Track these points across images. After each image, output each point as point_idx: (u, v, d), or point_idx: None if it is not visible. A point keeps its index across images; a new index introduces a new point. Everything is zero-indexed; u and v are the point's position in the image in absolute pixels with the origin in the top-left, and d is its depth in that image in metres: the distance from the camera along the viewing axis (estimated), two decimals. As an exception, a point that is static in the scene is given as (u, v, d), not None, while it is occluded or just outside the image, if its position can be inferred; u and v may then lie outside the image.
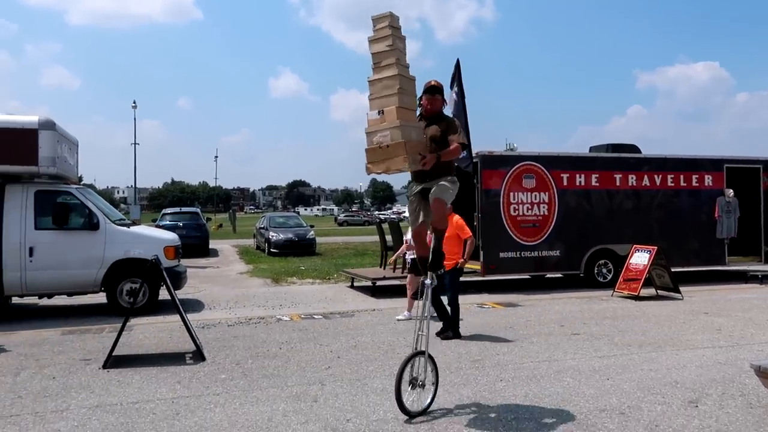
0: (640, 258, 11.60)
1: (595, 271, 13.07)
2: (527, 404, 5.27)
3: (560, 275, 13.94)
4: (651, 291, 11.66)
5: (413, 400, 4.96)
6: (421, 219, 5.24)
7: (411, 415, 4.87)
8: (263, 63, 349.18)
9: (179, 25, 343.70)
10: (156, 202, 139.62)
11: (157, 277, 7.40)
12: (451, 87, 12.40)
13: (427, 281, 5.16)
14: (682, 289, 11.51)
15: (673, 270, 11.79)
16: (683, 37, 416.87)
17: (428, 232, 5.40)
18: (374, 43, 5.04)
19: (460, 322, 8.17)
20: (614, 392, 5.58)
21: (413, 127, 4.98)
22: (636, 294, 11.23)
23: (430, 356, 5.15)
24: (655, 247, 11.48)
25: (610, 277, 12.93)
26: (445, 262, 6.92)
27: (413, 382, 4.98)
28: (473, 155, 12.30)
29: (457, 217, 8.05)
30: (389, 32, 4.95)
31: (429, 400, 5.06)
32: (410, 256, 9.41)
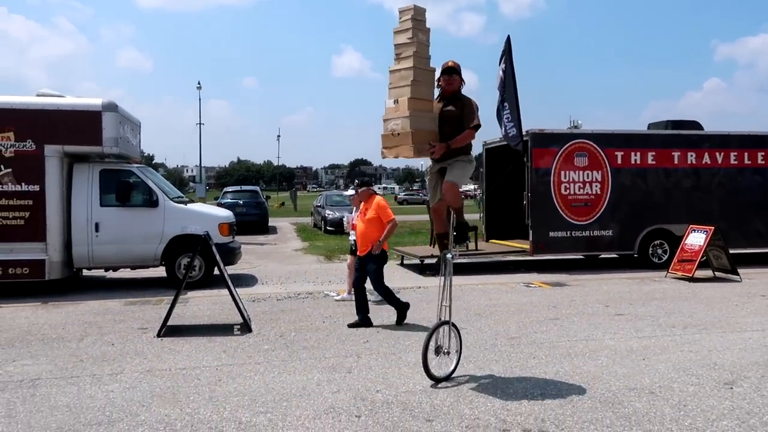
0: (696, 238, 11.26)
1: (650, 252, 12.76)
2: (557, 380, 5.33)
3: (615, 255, 13.69)
4: (708, 273, 11.32)
5: (439, 366, 5.32)
6: (439, 197, 5.40)
7: (436, 380, 5.23)
8: (327, 41, 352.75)
9: (246, 5, 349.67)
10: (222, 180, 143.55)
11: (215, 252, 7.76)
12: (500, 63, 12.27)
13: (449, 255, 5.33)
14: (743, 271, 11.13)
15: (734, 252, 11.40)
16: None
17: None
18: (397, 34, 5.29)
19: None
20: (647, 372, 5.55)
21: (425, 117, 5.19)
22: (690, 275, 10.93)
23: (454, 326, 5.46)
24: (712, 228, 11.10)
25: (665, 258, 12.59)
26: (363, 248, 7.37)
27: (438, 350, 5.33)
28: (523, 133, 12.17)
29: (379, 198, 7.65)
30: (410, 25, 5.17)
31: (453, 367, 5.41)
32: (352, 237, 8.80)
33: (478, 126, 5.31)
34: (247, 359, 6.09)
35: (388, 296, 7.65)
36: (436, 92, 5.45)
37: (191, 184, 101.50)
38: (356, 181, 8.54)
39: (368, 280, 7.66)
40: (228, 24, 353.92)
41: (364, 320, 7.55)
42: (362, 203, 7.78)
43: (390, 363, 5.91)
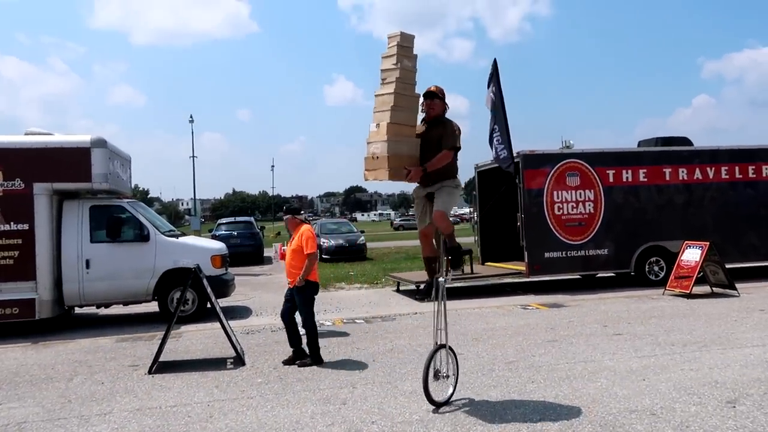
0: (692, 254, 11.21)
1: (647, 269, 12.69)
2: (556, 404, 5.22)
3: (612, 274, 13.61)
4: (705, 288, 11.24)
5: (438, 391, 5.27)
6: (428, 221, 5.37)
7: (437, 404, 5.17)
8: (318, 71, 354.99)
9: (237, 39, 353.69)
10: (218, 212, 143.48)
11: (206, 284, 7.65)
12: (488, 86, 12.33)
13: (441, 279, 5.28)
14: (740, 286, 11.06)
15: (730, 266, 11.34)
16: (751, 20, 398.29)
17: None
18: (384, 60, 5.39)
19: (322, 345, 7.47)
20: (648, 393, 5.45)
21: (404, 142, 5.21)
22: (688, 292, 10.84)
23: (450, 349, 5.41)
24: (707, 243, 11.06)
25: (662, 275, 12.52)
26: (290, 279, 7.10)
27: (437, 374, 5.28)
28: (514, 155, 12.18)
29: (305, 228, 7.20)
30: (396, 51, 5.23)
31: (451, 390, 5.38)
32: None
33: (455, 147, 5.33)
34: (240, 394, 5.96)
35: (311, 336, 7.04)
36: (421, 116, 5.46)
37: (186, 217, 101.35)
38: (284, 207, 8.37)
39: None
40: (220, 57, 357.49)
41: (298, 353, 7.10)
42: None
43: (386, 392, 5.79)
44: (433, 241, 5.51)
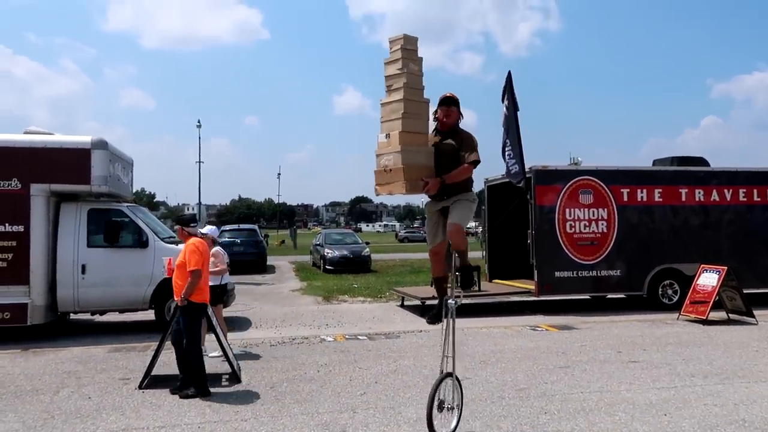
0: (709, 279, 10.80)
1: (660, 293, 12.28)
2: (572, 441, 4.84)
3: (622, 296, 13.20)
4: (722, 314, 10.82)
5: (442, 423, 4.84)
6: (440, 238, 5.01)
7: None
8: (327, 80, 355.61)
9: (247, 46, 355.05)
10: (223, 218, 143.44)
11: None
12: (503, 100, 12.01)
13: (451, 301, 4.89)
14: (757, 313, 10.64)
15: (747, 292, 10.93)
16: (762, 43, 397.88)
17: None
18: (388, 66, 5.03)
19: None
20: (671, 430, 5.07)
21: (419, 151, 4.86)
22: (704, 318, 10.43)
23: (456, 378, 5.00)
24: (725, 268, 10.66)
25: (676, 298, 12.11)
26: (176, 298, 6.39)
27: (441, 406, 4.85)
28: (526, 170, 11.84)
29: (192, 241, 6.53)
30: (400, 55, 4.88)
31: (455, 423, 4.97)
32: (224, 281, 8.29)
33: (477, 162, 4.97)
34: (234, 415, 5.60)
35: (196, 363, 6.28)
36: (432, 125, 5.11)
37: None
38: (175, 218, 7.85)
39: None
40: (229, 64, 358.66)
41: (197, 384, 6.23)
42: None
43: (388, 419, 5.42)
44: (445, 260, 5.15)
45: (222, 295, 8.28)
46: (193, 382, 6.24)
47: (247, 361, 7.70)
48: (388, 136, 4.81)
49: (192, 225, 6.88)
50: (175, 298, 6.48)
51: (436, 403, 4.77)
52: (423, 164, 4.85)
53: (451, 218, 4.91)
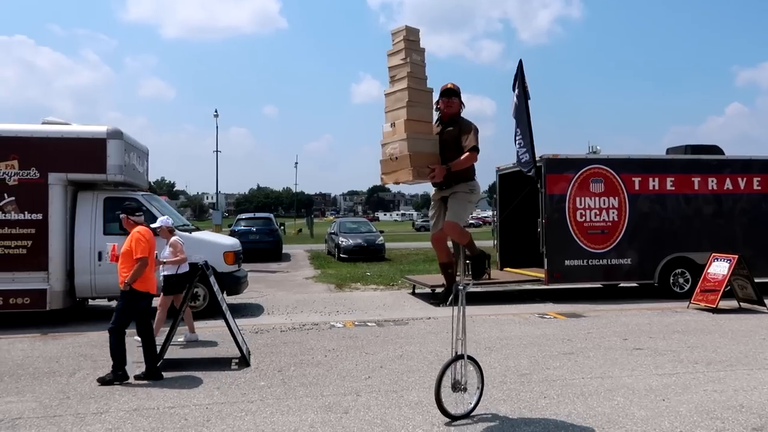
0: (719, 267, 10.78)
1: (671, 281, 12.26)
2: (568, 423, 4.94)
3: (635, 285, 13.20)
4: (733, 303, 10.80)
5: (456, 403, 5.02)
6: (440, 226, 5.09)
7: (453, 418, 4.95)
8: (345, 69, 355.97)
9: (265, 35, 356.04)
10: (242, 207, 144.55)
11: (212, 281, 7.49)
12: (513, 89, 12.02)
13: (460, 286, 5.00)
14: (768, 301, 10.61)
15: (759, 281, 10.89)
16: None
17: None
18: (391, 57, 5.10)
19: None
20: (668, 415, 5.14)
21: (424, 139, 4.93)
22: (714, 306, 10.42)
23: (472, 359, 5.16)
24: (736, 256, 10.62)
25: (687, 287, 12.09)
26: (120, 284, 6.48)
27: (456, 386, 5.01)
28: (537, 159, 11.86)
29: (138, 229, 6.62)
30: (403, 45, 4.96)
31: (473, 404, 5.13)
32: (164, 272, 8.20)
33: (477, 148, 5.03)
34: (241, 397, 5.78)
35: (117, 346, 6.35)
36: (435, 115, 5.20)
37: (211, 210, 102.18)
38: (122, 206, 7.52)
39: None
40: (248, 53, 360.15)
41: (115, 369, 6.34)
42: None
43: (390, 402, 5.56)
44: (448, 245, 5.25)
45: (179, 284, 8.19)
46: (114, 368, 6.31)
47: (256, 346, 7.89)
48: (393, 125, 4.88)
49: (137, 214, 6.92)
50: (120, 285, 6.54)
51: (448, 383, 4.92)
52: (429, 152, 4.92)
53: (447, 215, 4.99)
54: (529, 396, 5.72)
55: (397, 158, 4.81)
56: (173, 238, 8.41)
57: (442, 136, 5.11)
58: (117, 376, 6.32)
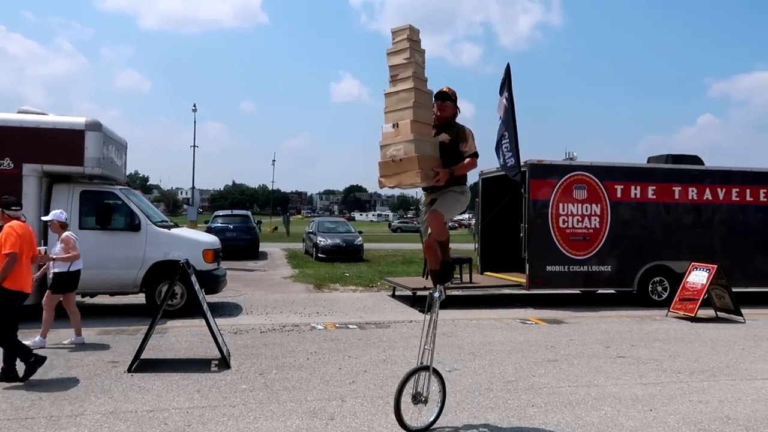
0: (699, 276, 10.88)
1: (650, 289, 12.34)
2: (558, 434, 4.88)
3: (612, 292, 13.28)
4: (710, 312, 10.90)
5: (416, 416, 4.84)
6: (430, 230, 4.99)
7: (410, 431, 4.74)
8: (325, 67, 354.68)
9: (246, 29, 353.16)
10: (216, 203, 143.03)
11: (193, 281, 7.30)
12: (501, 93, 12.00)
13: (435, 294, 4.91)
14: (745, 311, 10.72)
15: (736, 290, 11.01)
16: (761, 43, 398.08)
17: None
18: (392, 56, 4.93)
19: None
20: (656, 426, 5.11)
21: (428, 141, 4.83)
22: (692, 315, 10.51)
23: (436, 371, 4.99)
24: (715, 266, 10.73)
25: (665, 295, 12.18)
26: None
27: (416, 398, 4.83)
28: (521, 164, 11.85)
29: (11, 224, 6.29)
30: (407, 45, 4.83)
31: (433, 418, 4.93)
32: (54, 269, 7.88)
33: (477, 154, 4.96)
34: (222, 401, 5.61)
35: (8, 346, 6.14)
36: None
37: (185, 206, 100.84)
38: None
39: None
40: (227, 48, 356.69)
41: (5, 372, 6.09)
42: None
43: (376, 408, 5.45)
44: (440, 253, 5.14)
45: (70, 282, 7.91)
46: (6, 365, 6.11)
47: (236, 347, 7.71)
48: (395, 126, 4.72)
49: (13, 208, 6.56)
50: None
51: (409, 392, 4.75)
52: (433, 155, 4.81)
53: (434, 206, 4.89)
54: (516, 404, 5.66)
55: (401, 160, 4.66)
56: (65, 234, 7.97)
57: (437, 140, 5.01)
58: (6, 377, 6.05)
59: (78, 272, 8.02)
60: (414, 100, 4.70)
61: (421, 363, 4.93)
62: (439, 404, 5.00)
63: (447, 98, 5.03)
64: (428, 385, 4.89)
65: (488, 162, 12.89)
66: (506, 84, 11.95)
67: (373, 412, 5.33)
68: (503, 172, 12.43)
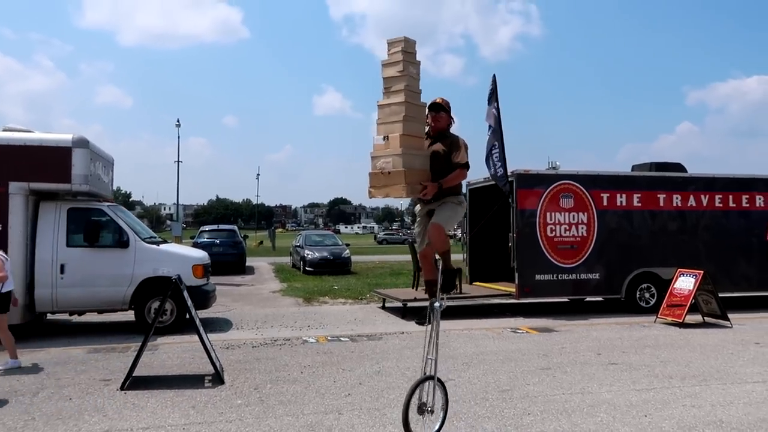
0: (685, 282, 11.01)
1: (638, 296, 12.47)
2: (555, 442, 4.91)
3: (600, 299, 13.38)
4: (697, 318, 11.03)
5: (422, 426, 4.81)
6: (427, 241, 5.03)
7: None
8: (307, 81, 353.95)
9: (227, 44, 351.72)
10: (200, 218, 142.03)
11: (186, 296, 7.26)
12: (489, 103, 12.12)
13: (436, 304, 4.91)
14: (731, 316, 10.85)
15: (721, 295, 11.16)
16: (735, 51, 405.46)
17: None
18: (386, 67, 4.99)
19: None
20: (652, 431, 5.17)
21: (417, 155, 4.88)
22: (680, 321, 10.63)
23: (440, 381, 4.96)
24: (701, 272, 10.87)
25: (653, 302, 12.31)
26: None
27: (422, 408, 4.79)
28: (509, 174, 11.96)
29: None
30: (401, 57, 4.89)
31: (437, 427, 4.91)
32: (5, 288, 7.54)
33: (467, 164, 5.01)
34: (218, 416, 5.58)
35: None
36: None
37: (168, 222, 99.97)
38: None
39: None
40: (208, 63, 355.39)
41: None
42: None
43: (374, 421, 5.44)
44: (434, 262, 5.18)
45: (2, 304, 7.50)
46: None
47: (229, 362, 7.67)
48: (386, 138, 4.79)
49: None
50: None
51: (414, 405, 4.73)
52: (421, 168, 4.86)
53: (433, 218, 4.93)
54: (512, 413, 5.68)
55: (389, 173, 4.72)
56: None
57: (430, 151, 5.06)
58: None
59: (9, 294, 7.62)
60: (405, 114, 4.77)
61: (425, 373, 4.91)
62: (442, 413, 4.99)
63: (441, 109, 5.09)
64: (434, 394, 4.87)
65: (477, 172, 12.98)
66: (494, 94, 12.08)
67: (371, 425, 5.33)
68: (490, 183, 12.53)
